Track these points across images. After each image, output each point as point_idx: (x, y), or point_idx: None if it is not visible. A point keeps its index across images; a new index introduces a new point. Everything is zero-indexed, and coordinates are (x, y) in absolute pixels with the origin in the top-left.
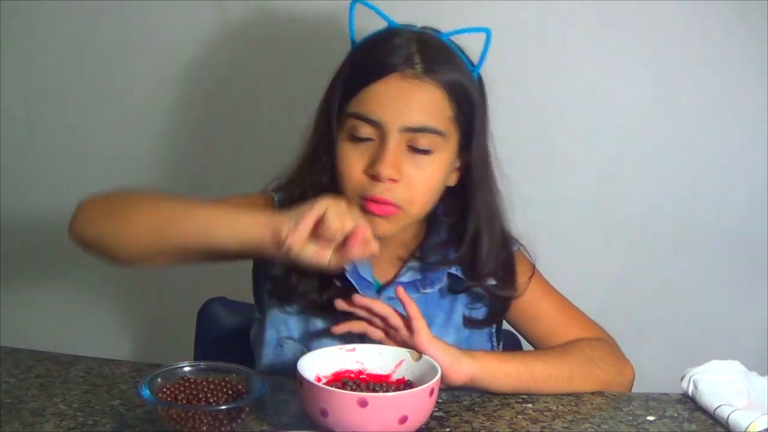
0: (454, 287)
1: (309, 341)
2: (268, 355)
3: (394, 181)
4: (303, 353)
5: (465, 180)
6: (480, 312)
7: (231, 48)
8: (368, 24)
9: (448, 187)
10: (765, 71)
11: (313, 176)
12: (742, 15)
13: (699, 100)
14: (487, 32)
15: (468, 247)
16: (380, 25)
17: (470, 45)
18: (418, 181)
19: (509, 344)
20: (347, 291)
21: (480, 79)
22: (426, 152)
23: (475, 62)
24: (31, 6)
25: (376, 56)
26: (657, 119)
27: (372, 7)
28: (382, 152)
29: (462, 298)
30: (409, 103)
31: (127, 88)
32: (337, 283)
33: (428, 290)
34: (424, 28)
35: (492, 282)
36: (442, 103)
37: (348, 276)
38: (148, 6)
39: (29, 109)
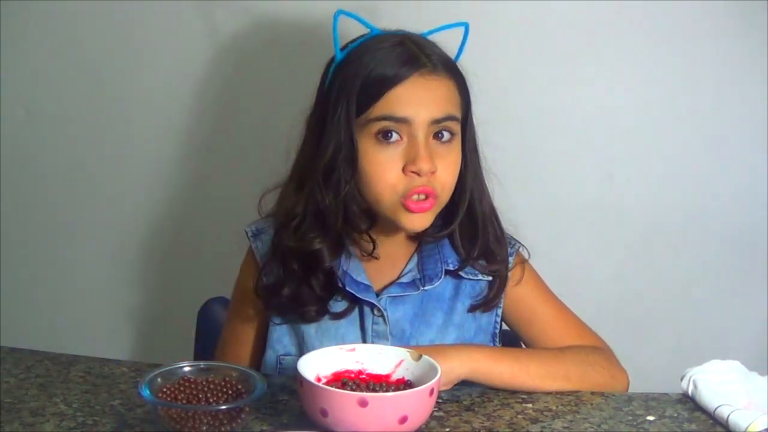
0: (452, 276)
1: (305, 351)
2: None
3: (432, 173)
4: None
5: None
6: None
7: (232, 51)
8: (350, 32)
9: None
10: (765, 71)
11: (330, 188)
12: (743, 14)
13: (699, 100)
14: (466, 26)
15: (462, 224)
16: (359, 32)
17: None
18: (447, 168)
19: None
20: (344, 295)
21: None
22: (449, 140)
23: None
24: (31, 7)
25: (386, 64)
26: (657, 119)
27: (355, 17)
28: (416, 148)
29: (463, 299)
30: (434, 97)
31: (128, 90)
32: (318, 291)
33: (427, 287)
34: (398, 30)
35: (483, 262)
36: (455, 91)
37: (347, 287)
38: (149, 8)
39: (30, 112)
